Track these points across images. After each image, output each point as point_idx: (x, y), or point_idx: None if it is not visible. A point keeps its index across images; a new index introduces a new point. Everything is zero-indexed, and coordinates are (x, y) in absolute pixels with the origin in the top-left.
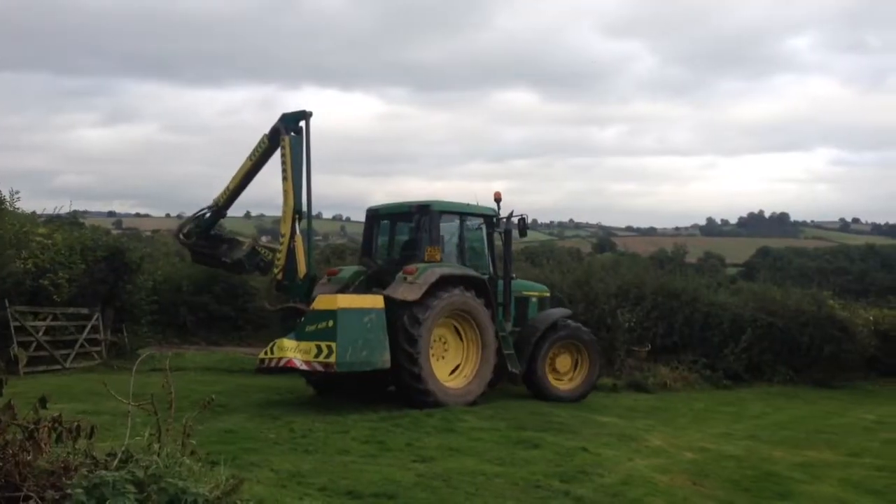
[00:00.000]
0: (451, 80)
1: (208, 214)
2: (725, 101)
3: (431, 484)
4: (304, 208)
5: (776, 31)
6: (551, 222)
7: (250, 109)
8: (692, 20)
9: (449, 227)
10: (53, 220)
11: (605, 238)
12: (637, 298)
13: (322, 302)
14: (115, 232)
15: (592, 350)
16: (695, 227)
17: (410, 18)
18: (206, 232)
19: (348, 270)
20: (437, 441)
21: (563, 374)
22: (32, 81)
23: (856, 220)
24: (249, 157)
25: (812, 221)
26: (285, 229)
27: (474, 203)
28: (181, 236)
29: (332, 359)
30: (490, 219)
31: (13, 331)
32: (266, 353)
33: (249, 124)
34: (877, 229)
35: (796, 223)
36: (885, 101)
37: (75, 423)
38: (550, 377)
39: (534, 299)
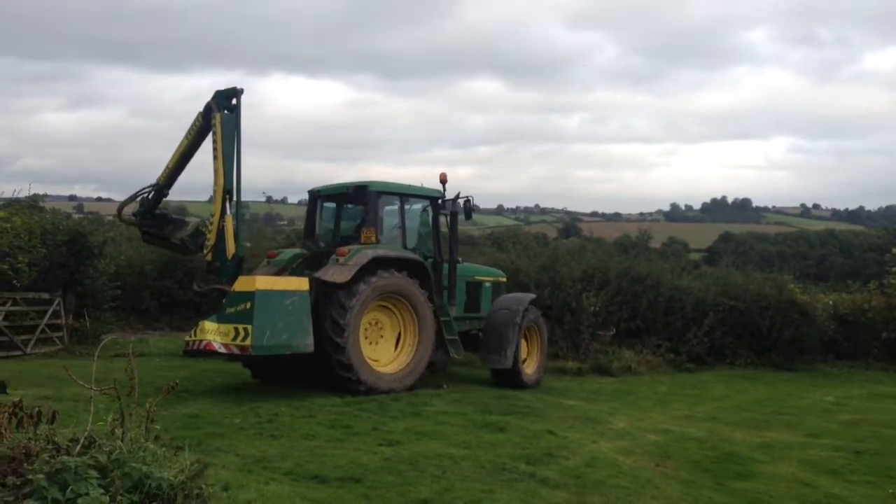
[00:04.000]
0: (417, 69)
1: (151, 194)
2: (685, 91)
3: (398, 467)
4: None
5: (732, 24)
6: (517, 207)
7: None
8: (651, 13)
9: (389, 209)
10: (12, 204)
11: (570, 223)
12: (602, 283)
13: (241, 283)
14: (76, 216)
15: (544, 335)
16: (659, 212)
17: (377, 7)
18: (150, 211)
19: (288, 253)
20: (404, 425)
21: (523, 360)
22: None
23: (816, 206)
24: (185, 136)
25: (774, 207)
26: (216, 209)
27: (419, 185)
28: (124, 216)
29: (248, 342)
30: (435, 201)
31: None
32: (191, 335)
33: None
34: (836, 215)
35: (758, 209)
36: (837, 91)
37: (36, 409)
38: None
39: (487, 284)
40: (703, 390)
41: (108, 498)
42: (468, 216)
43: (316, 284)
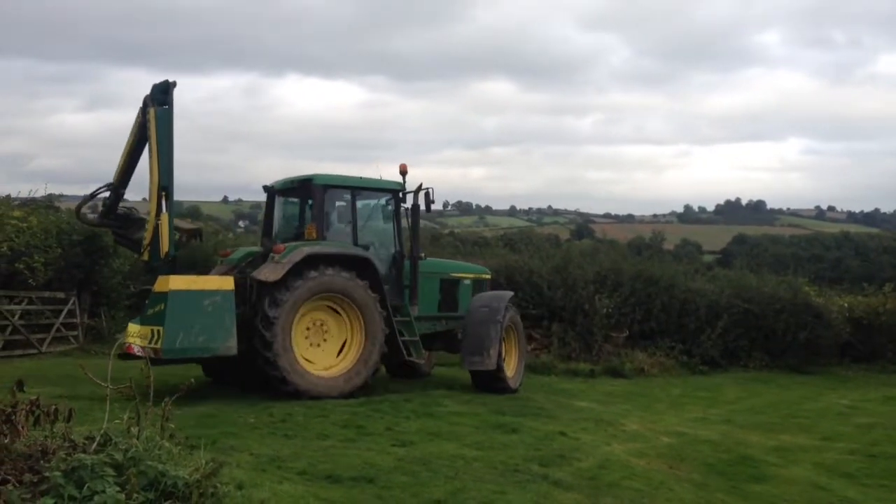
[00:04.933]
0: (430, 70)
1: (108, 193)
2: (698, 93)
3: (411, 468)
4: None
5: (745, 26)
6: (530, 208)
7: (233, 96)
8: (664, 15)
9: (338, 203)
10: (28, 204)
11: (583, 224)
12: (615, 285)
13: (158, 283)
14: (91, 216)
15: (522, 336)
16: (672, 214)
17: (391, 10)
18: (111, 212)
19: (240, 252)
20: (417, 425)
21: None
22: (13, 68)
23: (831, 209)
24: (130, 133)
25: (788, 209)
26: (151, 207)
27: (376, 177)
28: (82, 215)
29: (160, 344)
30: (396, 193)
31: None
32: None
33: (231, 110)
34: (852, 217)
35: (773, 210)
36: (851, 93)
37: (53, 407)
38: None
39: (467, 281)
40: (717, 393)
41: (123, 496)
42: (427, 208)
43: (257, 284)
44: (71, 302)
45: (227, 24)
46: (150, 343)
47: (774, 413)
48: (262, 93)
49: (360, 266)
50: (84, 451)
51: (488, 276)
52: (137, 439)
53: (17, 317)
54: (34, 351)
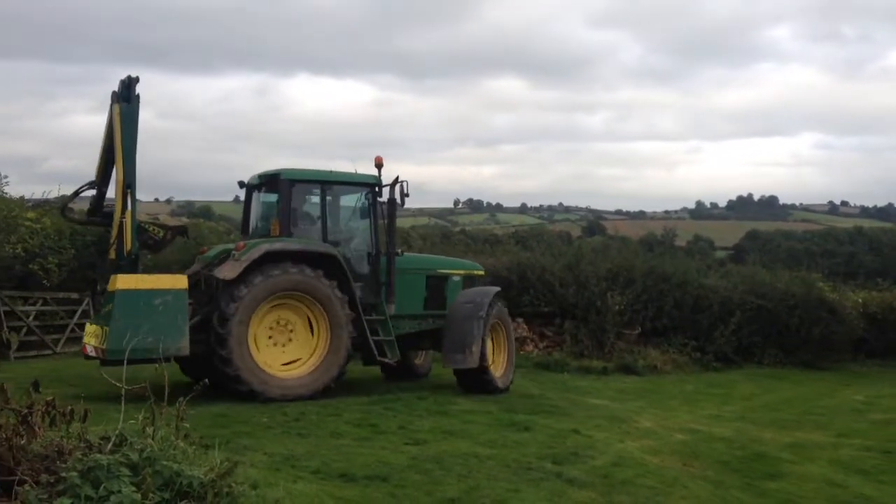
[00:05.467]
0: (441, 68)
1: (92, 192)
2: (709, 89)
3: (424, 466)
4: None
5: (755, 22)
6: (541, 206)
7: (244, 96)
8: (674, 12)
9: (307, 198)
10: (42, 205)
11: (594, 221)
12: (627, 281)
13: (110, 282)
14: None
15: (510, 332)
16: (684, 210)
17: (400, 8)
18: (97, 210)
19: (217, 249)
20: (430, 424)
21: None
22: (26, 69)
23: (844, 203)
24: (105, 131)
25: (801, 204)
26: (117, 205)
27: (350, 171)
28: (72, 215)
29: (105, 344)
30: (372, 188)
31: (3, 316)
32: None
33: (242, 111)
34: (865, 212)
35: (785, 206)
36: (863, 88)
37: (69, 408)
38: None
39: (456, 278)
40: (731, 389)
41: (139, 495)
42: (401, 202)
43: (216, 282)
44: (85, 302)
45: (237, 25)
46: (100, 343)
47: (789, 409)
48: (272, 92)
49: (326, 263)
50: (100, 452)
51: (481, 273)
52: (153, 439)
53: (31, 318)
54: (49, 352)
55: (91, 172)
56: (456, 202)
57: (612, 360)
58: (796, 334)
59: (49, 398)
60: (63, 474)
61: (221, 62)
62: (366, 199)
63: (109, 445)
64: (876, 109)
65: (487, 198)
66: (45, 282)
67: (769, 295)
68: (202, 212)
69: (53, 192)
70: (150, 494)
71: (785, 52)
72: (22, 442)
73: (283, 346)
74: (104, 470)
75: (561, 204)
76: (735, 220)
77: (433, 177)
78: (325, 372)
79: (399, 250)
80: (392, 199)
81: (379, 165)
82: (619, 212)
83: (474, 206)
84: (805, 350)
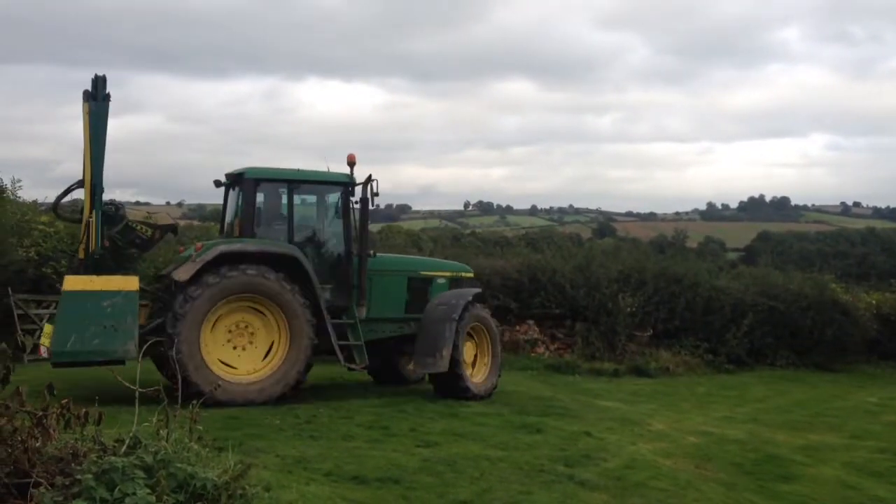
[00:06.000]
0: (450, 71)
1: (81, 190)
2: (718, 90)
3: (436, 468)
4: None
5: (763, 23)
6: (551, 208)
7: (254, 100)
8: (682, 13)
9: (273, 198)
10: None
11: (605, 223)
12: (638, 283)
13: (63, 283)
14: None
15: (496, 339)
16: (695, 211)
17: (409, 12)
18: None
19: (190, 249)
20: (441, 426)
21: (466, 366)
22: (39, 73)
23: (857, 204)
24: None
25: (813, 205)
26: (85, 204)
27: (322, 170)
28: (65, 214)
29: (51, 346)
30: (345, 187)
31: (16, 319)
32: None
33: (253, 114)
34: (877, 213)
35: (797, 207)
36: (873, 88)
37: (83, 410)
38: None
39: (441, 280)
40: (744, 391)
41: (154, 497)
42: (371, 201)
43: (173, 283)
44: None
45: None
46: (50, 345)
47: (802, 411)
48: (281, 96)
49: (288, 265)
50: (114, 454)
51: (470, 275)
52: (166, 442)
53: (45, 321)
54: None
55: (104, 177)
56: (466, 204)
57: (623, 362)
58: (809, 336)
59: (63, 401)
60: (78, 476)
61: (231, 66)
62: (337, 198)
63: (124, 448)
64: (886, 110)
65: (497, 200)
66: (58, 285)
67: (781, 296)
68: (213, 214)
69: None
70: (165, 496)
71: (794, 52)
72: (37, 444)
73: (243, 349)
74: (119, 472)
75: (571, 206)
76: (747, 221)
77: (442, 179)
78: (282, 378)
79: (371, 251)
80: (364, 199)
81: (351, 164)
82: (629, 213)
83: (484, 208)
84: (818, 352)
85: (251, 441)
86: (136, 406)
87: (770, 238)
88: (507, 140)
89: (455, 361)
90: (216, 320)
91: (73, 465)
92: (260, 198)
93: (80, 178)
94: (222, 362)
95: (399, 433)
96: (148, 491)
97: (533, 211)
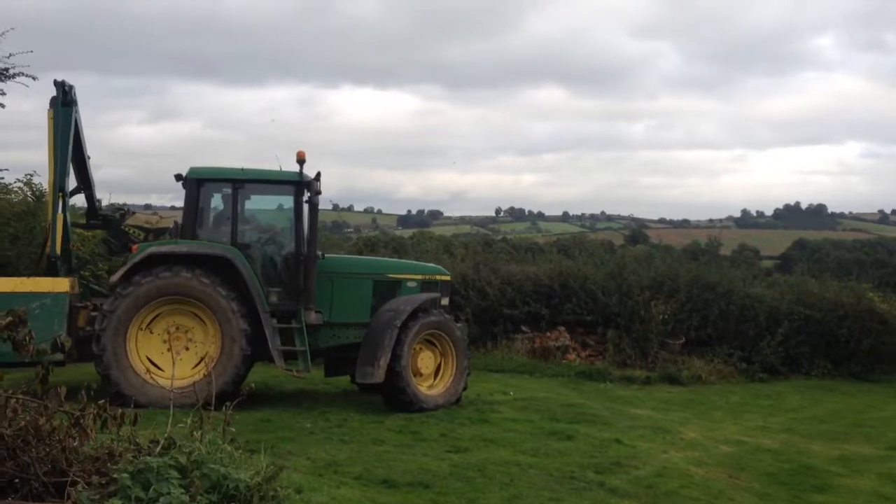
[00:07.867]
0: (483, 78)
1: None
2: (752, 97)
3: (466, 474)
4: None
5: (797, 31)
6: (582, 214)
7: (289, 107)
8: (714, 21)
9: (217, 198)
10: None
11: (637, 230)
12: (671, 291)
13: None
14: None
15: (461, 346)
16: (729, 219)
17: (443, 20)
18: (92, 213)
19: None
20: (471, 432)
21: (425, 377)
22: (82, 81)
23: (895, 212)
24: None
25: (850, 213)
26: (49, 207)
27: (272, 169)
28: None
29: None
30: (297, 186)
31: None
32: None
33: (288, 121)
34: None
35: (834, 215)
36: None
37: (120, 411)
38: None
39: (411, 284)
40: (778, 401)
41: (188, 497)
42: (314, 199)
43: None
44: None
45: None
46: None
47: (838, 422)
48: (316, 103)
49: (224, 267)
50: (149, 454)
51: (445, 278)
52: (200, 443)
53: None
54: None
55: (140, 182)
56: (497, 210)
57: (655, 369)
58: (845, 345)
59: (101, 402)
60: (114, 476)
61: (268, 74)
62: (287, 198)
63: (158, 448)
64: None
65: (529, 206)
66: (95, 288)
67: (817, 305)
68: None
69: (104, 200)
70: (199, 497)
71: (828, 60)
72: (74, 444)
73: (178, 353)
74: (154, 472)
75: (603, 212)
76: (782, 228)
77: (474, 185)
78: (217, 380)
79: (320, 253)
80: (312, 199)
81: (301, 161)
82: (662, 220)
83: (516, 214)
84: (854, 361)
85: (283, 444)
86: (171, 408)
87: (806, 246)
88: (539, 147)
89: (394, 372)
90: (152, 321)
91: (109, 464)
92: (204, 198)
93: (77, 184)
94: (152, 363)
95: (429, 438)
96: (182, 491)
97: (564, 217)
